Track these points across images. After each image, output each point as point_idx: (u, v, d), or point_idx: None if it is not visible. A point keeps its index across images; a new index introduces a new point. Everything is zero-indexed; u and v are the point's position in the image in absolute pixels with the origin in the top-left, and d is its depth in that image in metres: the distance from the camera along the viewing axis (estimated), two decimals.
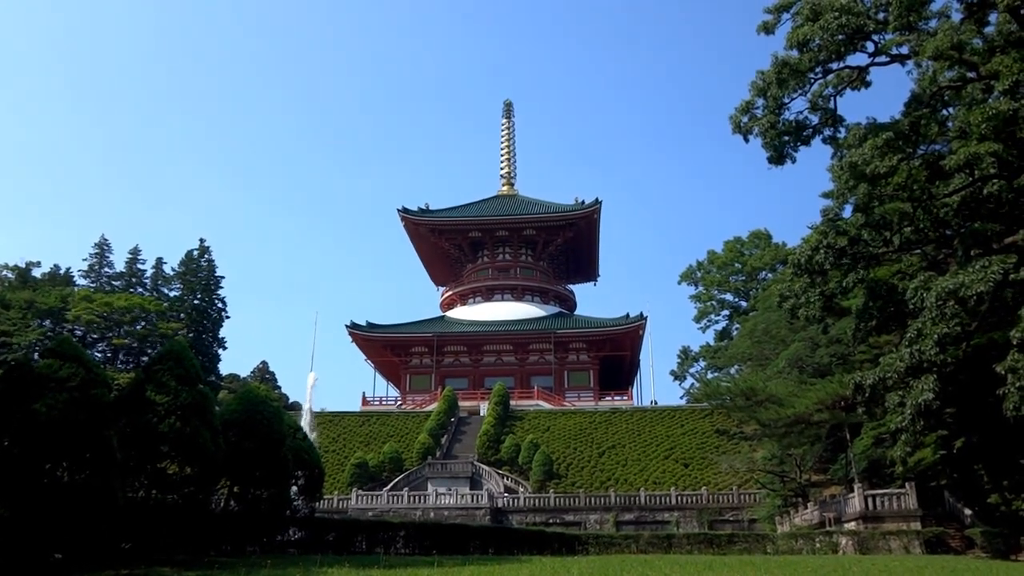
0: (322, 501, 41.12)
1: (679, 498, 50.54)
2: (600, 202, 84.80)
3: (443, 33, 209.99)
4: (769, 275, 76.04)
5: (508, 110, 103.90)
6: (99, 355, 59.64)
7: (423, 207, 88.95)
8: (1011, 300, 23.12)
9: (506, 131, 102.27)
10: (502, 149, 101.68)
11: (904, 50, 26.29)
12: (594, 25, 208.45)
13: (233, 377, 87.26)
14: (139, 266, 73.36)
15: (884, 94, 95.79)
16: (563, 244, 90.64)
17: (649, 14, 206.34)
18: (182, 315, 68.37)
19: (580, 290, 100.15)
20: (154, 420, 19.23)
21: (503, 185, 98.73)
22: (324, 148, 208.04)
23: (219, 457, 20.78)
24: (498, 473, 56.79)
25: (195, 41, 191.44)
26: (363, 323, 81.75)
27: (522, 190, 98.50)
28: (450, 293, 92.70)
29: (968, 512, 31.93)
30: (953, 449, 31.77)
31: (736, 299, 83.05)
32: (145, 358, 56.45)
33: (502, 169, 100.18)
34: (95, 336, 60.08)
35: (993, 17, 26.86)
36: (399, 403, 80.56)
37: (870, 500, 32.88)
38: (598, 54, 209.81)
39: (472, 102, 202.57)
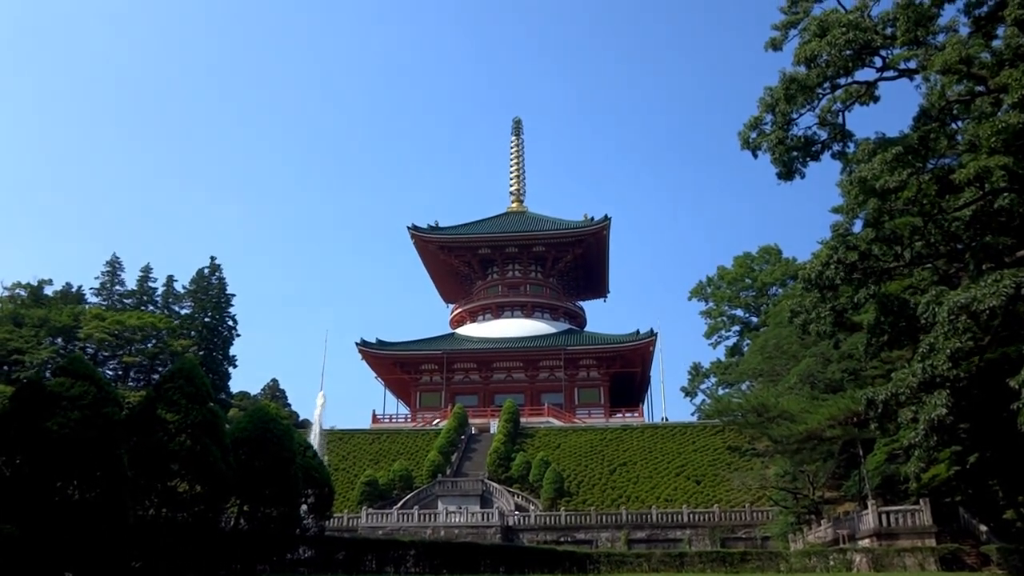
0: (332, 519, 40.92)
1: (691, 516, 50.18)
2: (609, 218, 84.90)
3: (453, 51, 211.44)
4: (779, 290, 75.78)
5: (517, 127, 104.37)
6: (110, 373, 59.93)
7: (433, 224, 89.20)
8: None
9: (515, 148, 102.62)
10: (511, 166, 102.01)
11: (912, 64, 26.26)
12: (604, 40, 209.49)
13: (243, 395, 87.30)
14: (150, 284, 73.80)
15: (893, 108, 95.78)
16: (573, 261, 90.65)
17: (659, 29, 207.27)
18: (193, 333, 68.66)
19: (590, 307, 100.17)
20: (164, 438, 19.25)
21: (512, 202, 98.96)
22: (335, 166, 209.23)
23: (229, 475, 20.78)
24: (508, 491, 56.54)
25: (207, 60, 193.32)
26: (373, 340, 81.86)
27: (531, 207, 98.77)
28: (460, 310, 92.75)
29: (984, 528, 31.58)
30: (967, 465, 31.44)
31: (747, 315, 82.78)
32: (156, 376, 56.68)
33: (511, 186, 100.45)
34: (106, 354, 60.37)
35: (1001, 31, 26.84)
36: (409, 421, 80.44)
37: (884, 517, 32.56)
38: (608, 69, 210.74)
39: (482, 119, 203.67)
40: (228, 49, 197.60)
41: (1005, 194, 23.73)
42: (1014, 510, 29.43)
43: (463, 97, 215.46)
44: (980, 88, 25.03)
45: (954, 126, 27.47)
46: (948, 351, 22.86)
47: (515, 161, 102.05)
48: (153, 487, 19.39)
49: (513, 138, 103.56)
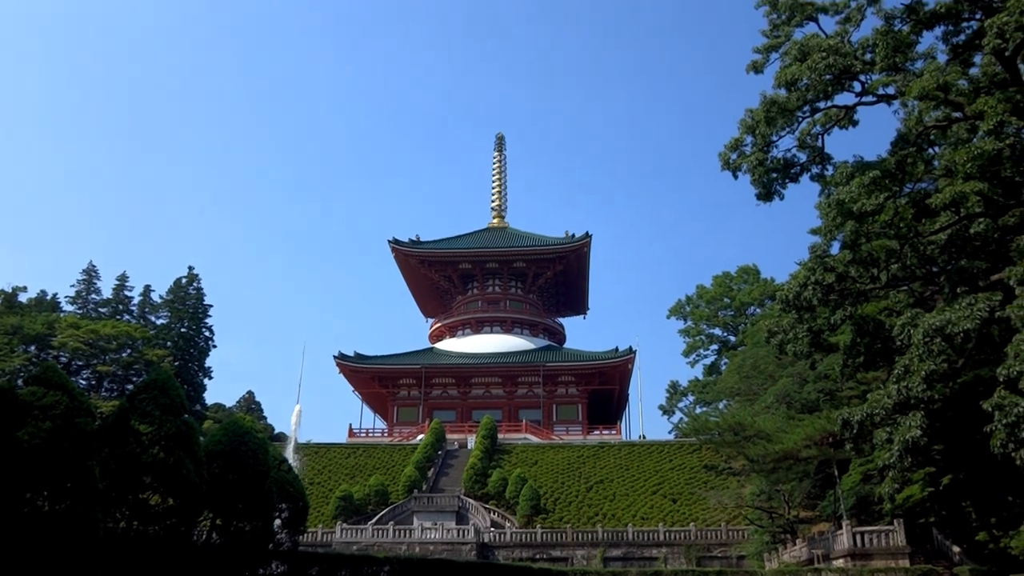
0: (306, 534, 40.29)
1: (667, 534, 50.13)
2: (590, 236, 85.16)
3: (436, 66, 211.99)
4: (757, 310, 76.23)
5: (500, 143, 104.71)
6: (84, 382, 59.19)
7: (414, 239, 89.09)
8: (998, 337, 23.23)
9: (498, 164, 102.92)
10: (493, 182, 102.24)
11: (891, 90, 26.67)
12: (587, 57, 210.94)
13: (218, 407, 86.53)
14: (126, 293, 73.15)
15: (871, 133, 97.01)
16: (553, 277, 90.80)
17: (642, 47, 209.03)
18: (168, 343, 67.99)
19: (569, 323, 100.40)
20: (137, 450, 18.99)
21: (494, 217, 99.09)
22: (316, 178, 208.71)
23: (202, 489, 20.52)
24: (485, 507, 56.27)
25: (190, 66, 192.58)
26: (351, 354, 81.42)
27: (513, 223, 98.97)
28: (439, 325, 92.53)
29: (957, 550, 31.79)
30: (941, 486, 31.71)
31: (725, 334, 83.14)
32: (130, 386, 56.07)
33: (493, 202, 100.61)
34: (80, 363, 59.64)
35: (978, 59, 27.34)
36: (386, 435, 79.98)
37: (858, 537, 32.70)
38: (590, 88, 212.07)
39: (464, 135, 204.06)
40: (210, 57, 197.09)
41: (980, 219, 24.07)
42: (986, 532, 29.65)
43: (445, 112, 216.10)
44: (957, 115, 25.44)
45: (931, 151, 27.89)
46: (923, 373, 23.10)
47: (497, 177, 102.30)
48: (125, 499, 19.11)
49: (496, 154, 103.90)
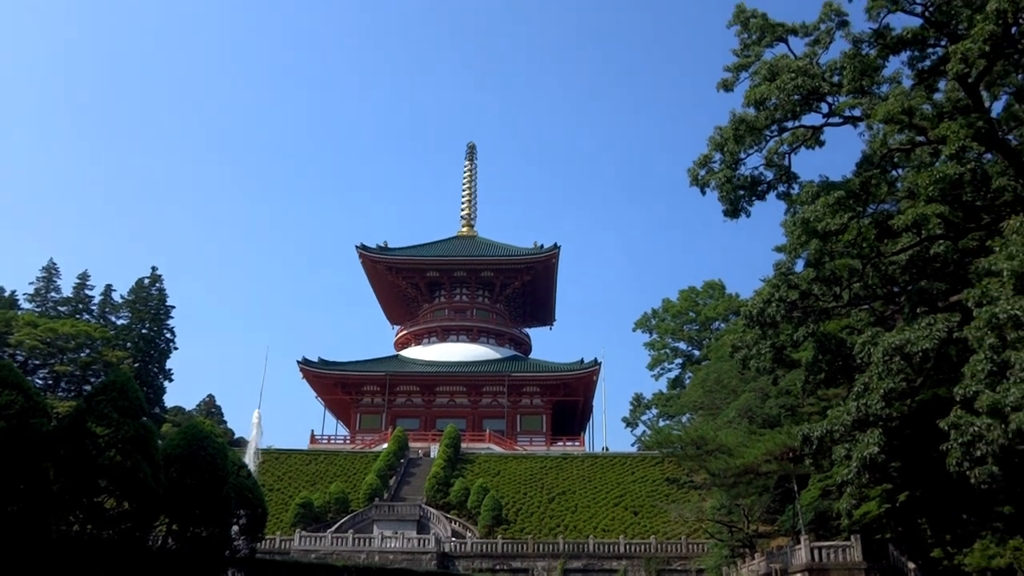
0: (264, 541, 40.07)
1: (628, 547, 50.24)
2: (559, 247, 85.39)
3: (405, 70, 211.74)
4: (722, 325, 76.89)
5: (471, 152, 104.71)
6: (40, 382, 57.93)
7: (382, 244, 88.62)
8: (955, 357, 23.65)
9: (468, 172, 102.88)
10: (463, 190, 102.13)
11: (857, 112, 27.15)
12: (559, 70, 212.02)
13: (178, 410, 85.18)
14: (87, 292, 71.70)
15: (837, 153, 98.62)
16: (520, 287, 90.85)
17: (612, 58, 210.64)
18: (129, 344, 66.81)
19: (536, 334, 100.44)
20: (94, 452, 18.64)
21: (463, 226, 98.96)
22: (282, 181, 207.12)
23: (159, 493, 20.19)
24: (446, 517, 56.00)
25: (151, 66, 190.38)
26: (315, 359, 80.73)
27: (482, 232, 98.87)
28: (405, 332, 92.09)
29: (912, 566, 32.22)
30: (898, 503, 32.15)
31: (689, 348, 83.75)
32: (88, 387, 55.00)
33: (463, 210, 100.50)
34: (37, 362, 58.38)
35: (942, 84, 27.94)
36: (348, 442, 79.32)
37: (816, 552, 33.03)
38: (562, 100, 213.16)
39: (434, 143, 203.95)
40: (176, 55, 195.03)
41: (940, 241, 24.54)
42: (941, 549, 30.09)
43: (416, 119, 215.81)
44: (920, 138, 25.95)
45: (895, 173, 28.42)
46: (882, 391, 23.45)
47: (467, 185, 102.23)
48: (80, 502, 18.74)
49: (467, 163, 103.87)
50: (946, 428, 21.48)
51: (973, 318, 21.23)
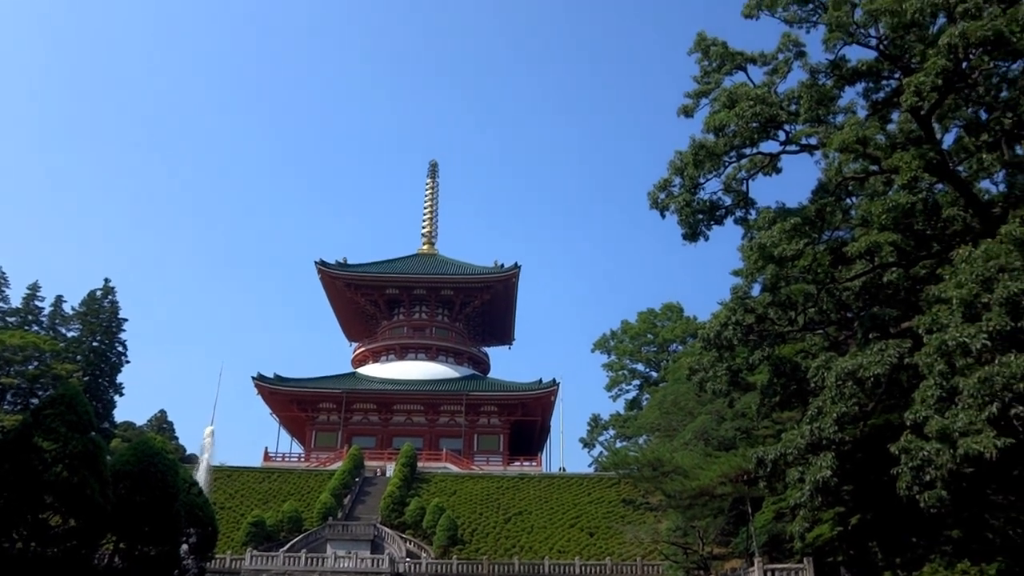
0: (214, 561, 39.23)
1: (583, 568, 50.14)
2: (519, 267, 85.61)
3: (368, 88, 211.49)
4: (680, 347, 77.52)
5: (433, 170, 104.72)
6: None
7: (341, 261, 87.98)
8: (906, 383, 24.07)
9: (430, 191, 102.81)
10: (425, 208, 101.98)
11: (813, 141, 27.70)
12: (521, 90, 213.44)
13: (128, 425, 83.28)
14: (37, 303, 69.99)
15: (794, 180, 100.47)
16: (480, 306, 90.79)
17: (575, 78, 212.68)
18: (79, 357, 65.36)
19: (495, 353, 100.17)
20: (40, 468, 18.18)
21: (424, 244, 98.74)
22: (239, 195, 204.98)
23: (107, 510, 19.74)
24: (401, 537, 55.42)
25: (102, 73, 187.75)
26: (271, 375, 79.68)
27: (443, 250, 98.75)
28: (363, 349, 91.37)
29: None
30: (849, 526, 32.53)
31: (647, 369, 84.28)
32: (35, 400, 53.57)
33: (423, 228, 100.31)
34: None
35: (896, 115, 28.66)
36: (303, 460, 78.24)
37: (769, 574, 33.32)
38: (524, 121, 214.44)
39: (395, 160, 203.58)
40: (133, 62, 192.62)
41: (893, 269, 25.06)
42: (892, 571, 30.50)
43: (378, 136, 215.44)
44: (874, 167, 26.55)
45: (849, 201, 29.02)
46: (835, 415, 23.78)
47: (429, 203, 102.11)
48: (23, 519, 18.26)
49: (428, 180, 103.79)
50: (897, 452, 21.81)
51: (924, 344, 21.65)
